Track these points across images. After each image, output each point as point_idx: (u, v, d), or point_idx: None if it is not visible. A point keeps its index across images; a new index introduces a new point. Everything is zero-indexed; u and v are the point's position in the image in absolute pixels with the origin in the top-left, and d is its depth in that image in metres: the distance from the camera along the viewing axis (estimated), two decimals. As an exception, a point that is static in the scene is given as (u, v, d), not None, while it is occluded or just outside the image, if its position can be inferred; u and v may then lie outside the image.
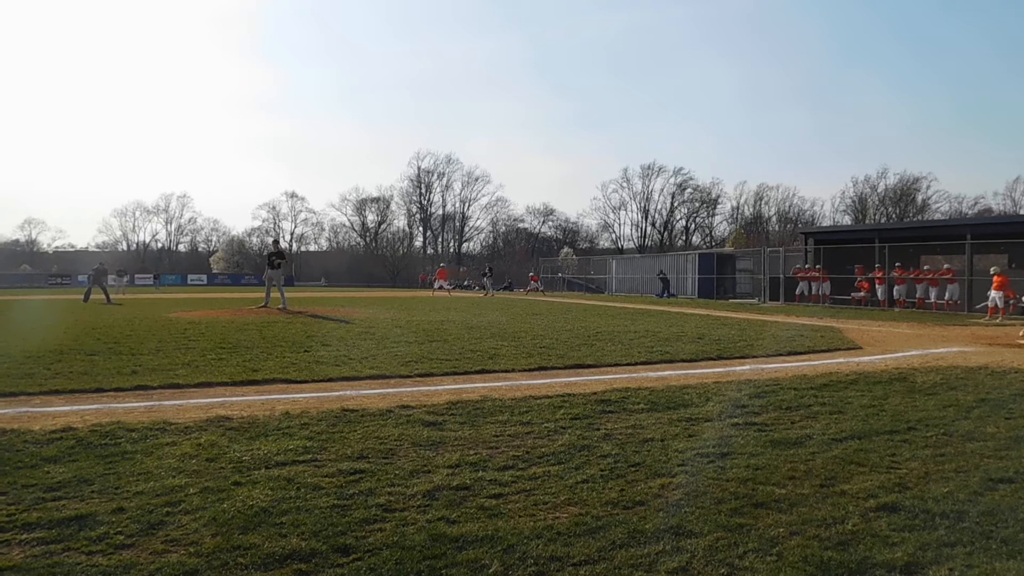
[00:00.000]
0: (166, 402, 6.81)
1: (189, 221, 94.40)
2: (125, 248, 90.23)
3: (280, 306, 19.75)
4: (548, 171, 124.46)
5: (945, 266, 25.27)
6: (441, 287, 42.26)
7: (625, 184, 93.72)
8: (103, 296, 27.87)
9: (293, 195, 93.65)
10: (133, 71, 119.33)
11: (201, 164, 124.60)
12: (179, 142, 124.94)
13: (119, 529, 3.48)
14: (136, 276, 62.12)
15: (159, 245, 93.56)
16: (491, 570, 3.08)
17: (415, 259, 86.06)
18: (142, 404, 6.69)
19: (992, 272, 20.73)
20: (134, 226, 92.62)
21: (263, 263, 20.93)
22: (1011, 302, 19.95)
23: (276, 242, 23.70)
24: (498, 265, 67.31)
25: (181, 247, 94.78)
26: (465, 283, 66.15)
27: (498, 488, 4.22)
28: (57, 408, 6.47)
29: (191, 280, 73.76)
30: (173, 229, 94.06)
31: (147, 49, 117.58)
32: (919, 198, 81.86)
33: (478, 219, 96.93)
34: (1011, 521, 3.69)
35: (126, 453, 4.84)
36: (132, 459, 4.70)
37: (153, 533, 3.45)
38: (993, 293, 20.22)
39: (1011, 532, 3.54)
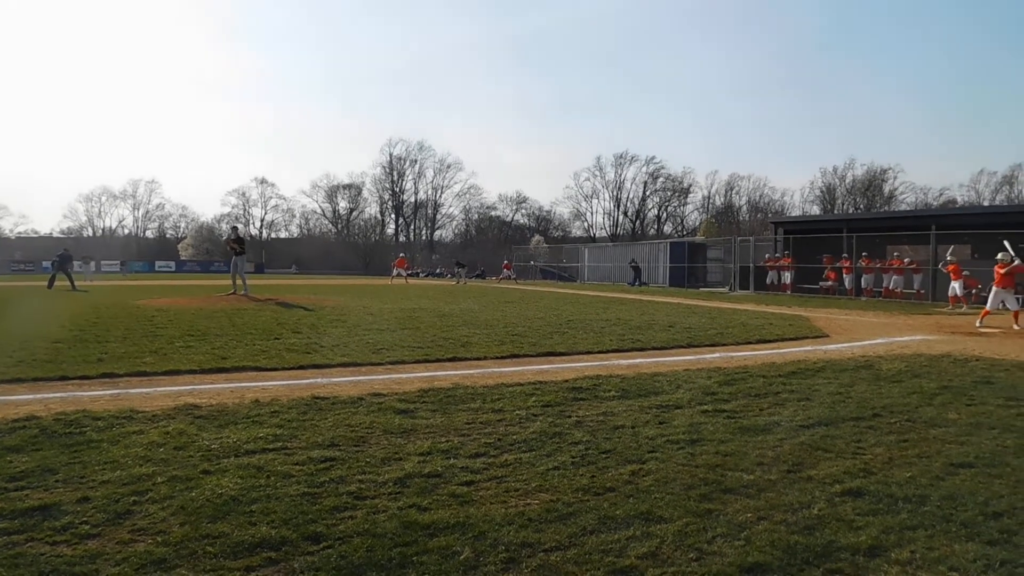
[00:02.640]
0: (133, 390, 6.71)
1: (157, 207, 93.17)
2: (91, 234, 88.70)
3: (242, 292, 19.81)
4: (521, 159, 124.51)
5: (895, 254, 25.98)
6: (399, 274, 42.05)
7: (598, 173, 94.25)
8: (68, 283, 27.37)
9: (263, 181, 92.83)
10: (101, 52, 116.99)
11: (170, 149, 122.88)
12: (147, 127, 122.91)
13: (84, 519, 3.43)
14: (102, 262, 61.04)
15: (126, 231, 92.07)
16: (462, 556, 3.09)
17: (387, 246, 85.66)
18: (108, 392, 6.58)
19: (948, 258, 21.04)
20: (100, 212, 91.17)
21: (228, 251, 20.85)
22: (973, 291, 20.36)
23: (235, 228, 23.61)
24: (470, 253, 67.31)
25: (149, 233, 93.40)
26: (437, 271, 66.05)
27: (469, 475, 4.22)
28: (20, 396, 6.34)
29: (159, 267, 72.67)
30: (141, 215, 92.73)
31: (115, 29, 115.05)
32: (886, 189, 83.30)
33: (451, 207, 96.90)
34: (971, 505, 3.78)
35: (92, 442, 4.76)
36: (98, 448, 4.62)
37: (120, 523, 3.40)
38: (954, 282, 20.62)
39: (970, 515, 3.62)
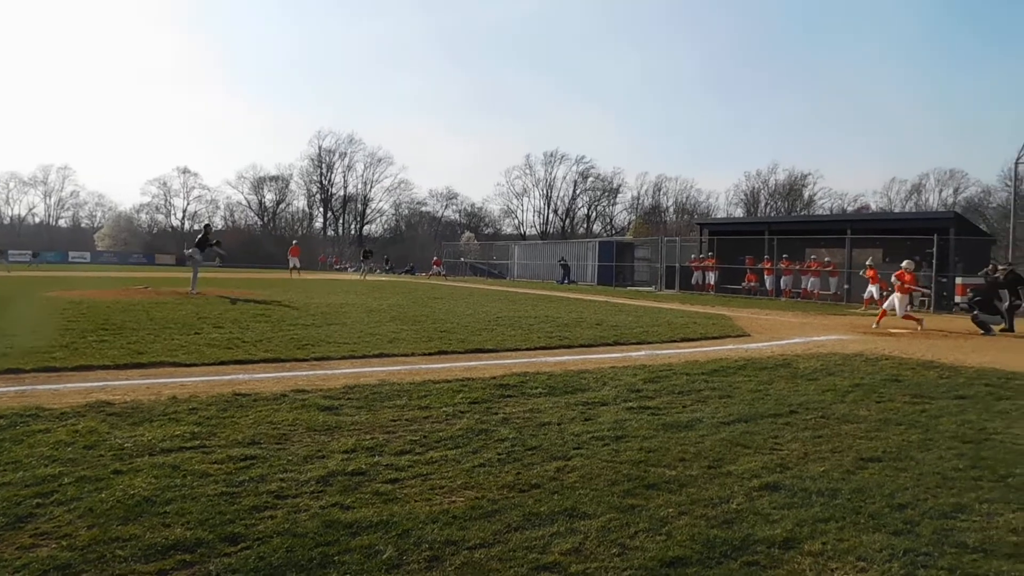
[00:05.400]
0: (40, 386, 6.38)
1: (71, 195, 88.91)
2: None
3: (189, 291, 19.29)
4: (453, 155, 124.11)
5: (812, 256, 27.13)
6: (295, 266, 38.49)
7: (528, 171, 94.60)
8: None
9: (185, 170, 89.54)
10: (9, 29, 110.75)
11: (84, 135, 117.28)
12: (58, 110, 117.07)
13: (-18, 522, 3.24)
14: (11, 252, 58.03)
15: (37, 220, 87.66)
16: (385, 555, 3.05)
17: (315, 240, 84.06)
18: (12, 388, 6.24)
19: (867, 264, 22.09)
20: (8, 199, 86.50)
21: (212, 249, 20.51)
22: (884, 293, 21.30)
23: (207, 227, 22.84)
24: (400, 249, 66.72)
25: (62, 222, 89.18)
26: (369, 266, 65.23)
27: (394, 473, 4.17)
28: (-86, 393, 5.96)
29: (73, 257, 69.41)
30: (53, 203, 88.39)
31: (27, 7, 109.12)
32: (806, 194, 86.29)
33: (380, 201, 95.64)
34: (878, 497, 3.95)
35: (-7, 441, 4.50)
36: (-1, 447, 4.38)
37: (21, 527, 3.22)
38: (871, 287, 21.58)
39: (878, 507, 3.78)
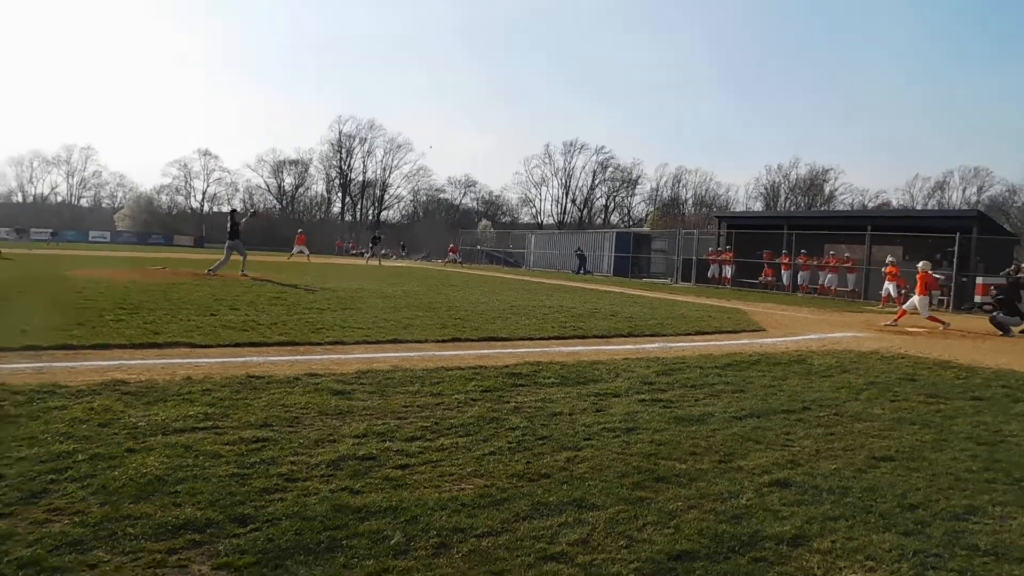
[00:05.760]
0: (57, 364, 6.45)
1: (93, 175, 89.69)
2: (20, 200, 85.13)
3: (208, 270, 19.08)
4: (472, 144, 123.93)
5: (831, 252, 26.91)
6: (301, 251, 37.42)
7: (547, 160, 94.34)
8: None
9: (206, 153, 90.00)
10: (39, 13, 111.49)
11: (107, 115, 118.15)
12: (84, 90, 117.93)
13: (-3, 496, 3.28)
14: (32, 230, 58.64)
15: (59, 199, 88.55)
16: (393, 541, 3.06)
17: (333, 225, 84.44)
18: (30, 365, 6.31)
19: (888, 262, 21.87)
20: (31, 177, 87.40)
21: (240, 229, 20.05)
22: (902, 291, 21.10)
23: (234, 211, 22.58)
24: (417, 235, 66.76)
25: (84, 202, 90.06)
26: (384, 252, 65.43)
27: (404, 459, 4.18)
28: (-66, 367, 6.04)
29: (93, 237, 70.01)
30: (75, 183, 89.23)
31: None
32: (827, 189, 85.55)
33: (399, 187, 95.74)
34: (889, 496, 3.91)
35: (9, 417, 4.55)
36: (15, 423, 4.43)
37: (35, 502, 3.26)
38: (888, 284, 21.36)
39: (888, 507, 3.75)
